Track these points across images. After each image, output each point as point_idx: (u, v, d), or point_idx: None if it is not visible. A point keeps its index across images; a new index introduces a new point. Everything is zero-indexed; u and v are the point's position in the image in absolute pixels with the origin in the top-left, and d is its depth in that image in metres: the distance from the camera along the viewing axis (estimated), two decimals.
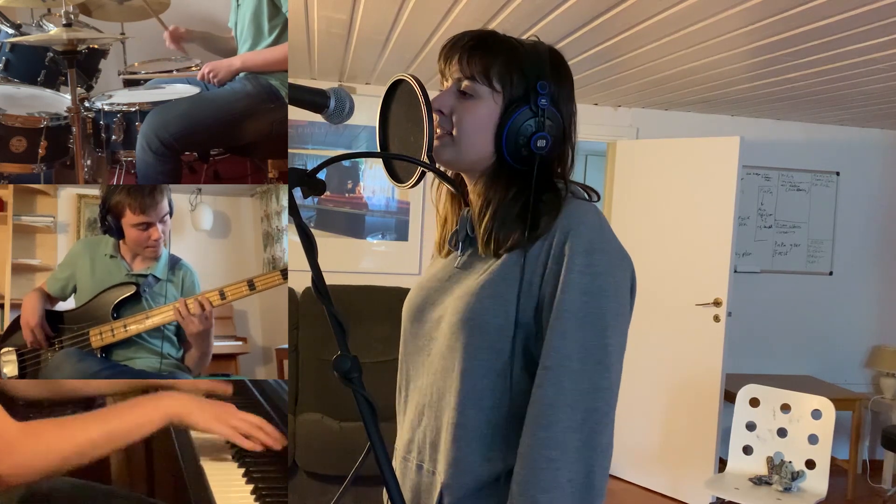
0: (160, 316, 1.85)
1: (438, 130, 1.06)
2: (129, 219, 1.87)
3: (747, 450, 3.42)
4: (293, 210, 0.91)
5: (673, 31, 2.70)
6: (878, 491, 4.38)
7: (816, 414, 3.27)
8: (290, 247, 3.05)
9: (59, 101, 2.23)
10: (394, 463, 1.16)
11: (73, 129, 2.04)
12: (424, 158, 1.01)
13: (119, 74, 2.53)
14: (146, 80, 2.41)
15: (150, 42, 2.54)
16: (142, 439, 1.24)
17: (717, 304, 3.88)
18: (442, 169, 1.13)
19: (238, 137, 2.15)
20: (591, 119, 4.35)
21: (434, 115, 1.05)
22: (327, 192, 3.38)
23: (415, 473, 1.10)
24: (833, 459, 3.55)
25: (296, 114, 3.64)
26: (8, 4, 2.25)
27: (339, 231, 4.22)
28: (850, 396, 4.22)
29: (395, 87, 1.10)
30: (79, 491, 1.40)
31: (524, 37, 1.10)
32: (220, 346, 2.94)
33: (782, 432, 3.34)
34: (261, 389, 1.83)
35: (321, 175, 0.93)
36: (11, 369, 1.86)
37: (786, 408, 3.37)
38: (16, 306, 2.00)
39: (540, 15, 2.57)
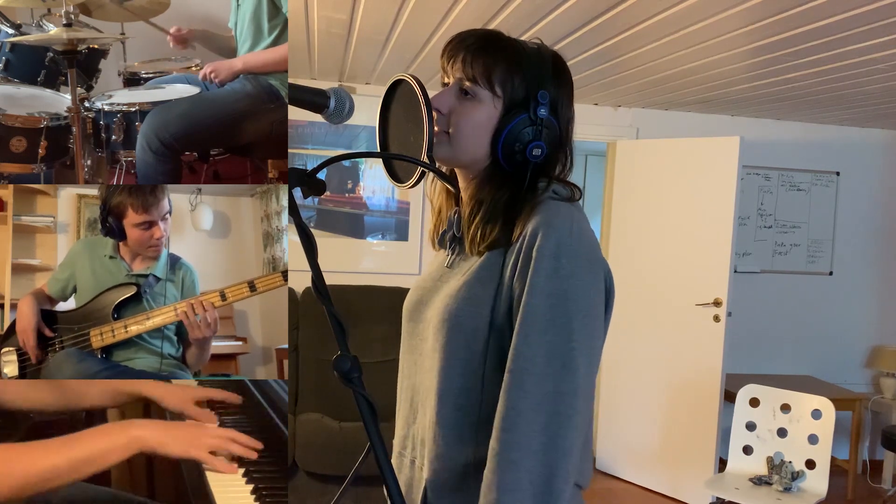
0: (161, 316, 1.85)
1: (437, 128, 1.06)
2: (132, 218, 1.87)
3: (747, 450, 3.42)
4: (293, 210, 0.91)
5: (673, 31, 2.70)
6: (878, 491, 4.38)
7: (816, 414, 3.27)
8: (290, 247, 3.05)
9: (59, 101, 2.23)
10: (392, 458, 1.17)
11: (73, 129, 2.04)
12: (424, 158, 1.01)
13: (119, 74, 2.53)
14: (146, 80, 2.41)
15: (150, 42, 2.54)
16: (108, 468, 1.19)
17: (717, 304, 3.88)
18: (442, 169, 1.13)
19: (238, 137, 2.15)
20: (591, 119, 4.35)
21: (433, 114, 1.05)
22: (327, 192, 3.38)
23: (408, 469, 1.12)
24: (833, 459, 3.55)
25: (296, 114, 3.64)
26: (8, 4, 2.25)
27: (339, 231, 4.22)
28: (850, 396, 4.22)
29: (395, 87, 1.10)
30: (78, 492, 1.40)
31: (525, 37, 1.10)
32: (220, 346, 2.94)
33: (782, 432, 3.34)
34: (261, 389, 1.83)
35: (321, 175, 0.93)
36: (12, 369, 1.86)
37: (786, 408, 3.36)
38: (16, 306, 2.00)
39: (540, 15, 2.57)
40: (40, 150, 2.07)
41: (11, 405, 1.50)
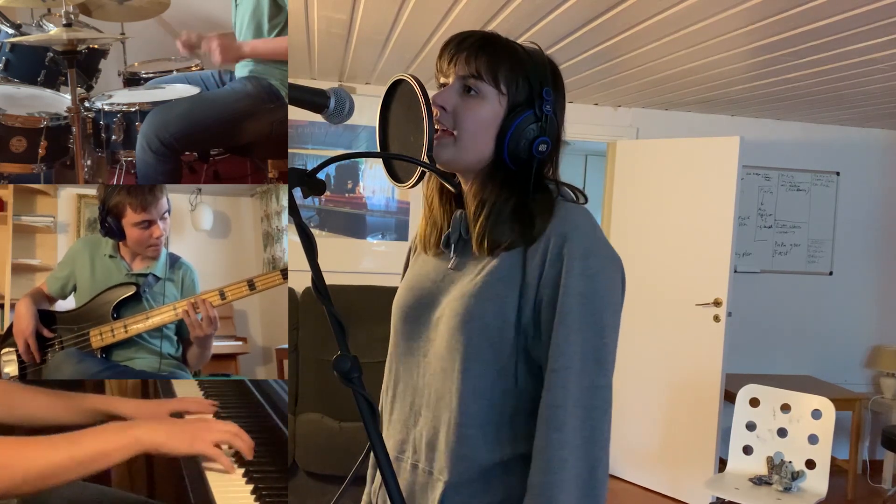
0: (160, 316, 1.85)
1: (439, 128, 1.06)
2: (131, 218, 1.87)
3: (747, 450, 3.42)
4: (293, 210, 0.91)
5: (673, 31, 2.70)
6: (878, 491, 4.38)
7: (816, 414, 3.27)
8: (290, 247, 3.05)
9: (59, 101, 2.22)
10: None
11: (73, 129, 2.04)
12: (424, 158, 1.01)
13: (119, 74, 2.53)
14: (146, 80, 2.41)
15: (150, 42, 2.54)
16: (109, 468, 1.18)
17: (717, 304, 3.88)
18: (442, 169, 1.13)
19: (238, 137, 2.15)
20: (591, 119, 4.35)
21: (435, 112, 1.05)
22: (327, 192, 3.38)
23: (409, 473, 1.11)
24: (833, 459, 3.55)
25: (296, 114, 3.64)
26: (8, 4, 2.25)
27: (339, 231, 4.22)
28: (850, 396, 4.22)
29: (395, 87, 1.10)
30: (77, 492, 1.40)
31: (524, 37, 1.11)
32: (219, 346, 2.94)
33: (782, 432, 3.34)
34: (261, 389, 1.83)
35: (321, 175, 0.93)
36: (12, 369, 1.86)
37: (786, 408, 3.36)
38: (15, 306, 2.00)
39: (540, 15, 2.57)
40: (40, 150, 2.07)
41: None
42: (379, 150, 1.14)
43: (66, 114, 2.08)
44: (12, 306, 2.21)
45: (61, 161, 2.13)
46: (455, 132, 1.06)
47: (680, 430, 4.06)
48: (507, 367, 1.02)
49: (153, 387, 2.03)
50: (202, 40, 2.26)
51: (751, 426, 3.44)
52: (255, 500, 1.28)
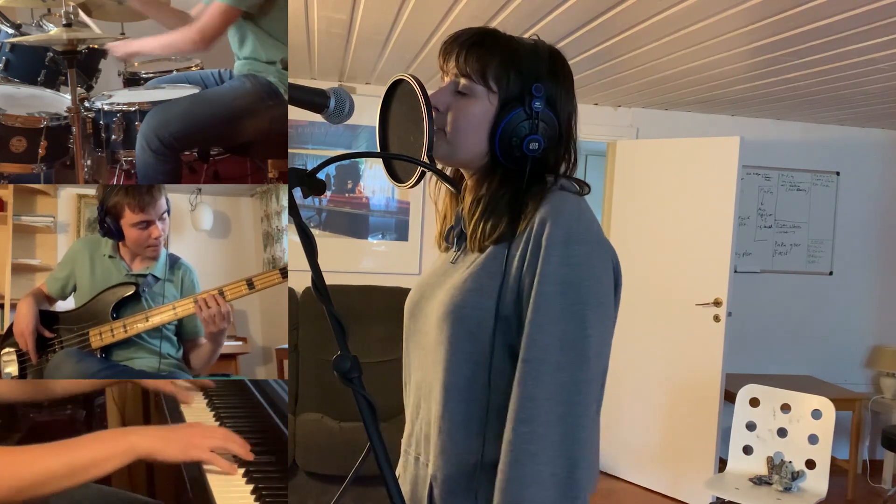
0: (160, 316, 1.85)
1: (436, 128, 1.07)
2: (129, 218, 1.87)
3: (747, 450, 3.42)
4: (293, 210, 0.91)
5: (673, 31, 2.70)
6: (878, 491, 4.38)
7: (816, 414, 3.27)
8: (290, 247, 3.05)
9: (59, 101, 2.23)
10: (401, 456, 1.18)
11: (73, 129, 2.04)
12: (424, 158, 1.01)
13: (119, 74, 2.53)
14: (146, 80, 2.41)
15: None
16: (105, 475, 1.17)
17: (717, 304, 3.88)
18: (441, 168, 1.13)
19: (238, 136, 2.15)
20: (591, 119, 4.35)
21: (433, 114, 1.05)
22: (327, 192, 3.38)
23: (413, 466, 1.12)
24: (833, 459, 3.54)
25: (296, 114, 3.64)
26: (8, 4, 2.25)
27: (340, 231, 4.22)
28: (850, 396, 4.22)
29: (395, 86, 1.10)
30: (79, 492, 1.40)
31: (524, 37, 1.10)
32: None
33: (782, 432, 3.34)
34: (261, 389, 1.83)
35: (321, 175, 0.93)
36: (13, 369, 1.86)
37: (786, 408, 3.36)
38: (16, 306, 2.00)
39: (540, 15, 2.57)
40: (40, 150, 2.07)
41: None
42: (379, 149, 1.14)
43: (66, 114, 2.08)
44: (12, 306, 2.22)
45: (61, 161, 2.14)
46: (446, 131, 1.06)
47: (680, 430, 4.06)
48: (486, 362, 1.00)
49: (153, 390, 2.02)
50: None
51: (751, 426, 3.44)
52: (255, 500, 1.28)
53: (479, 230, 1.04)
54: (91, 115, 2.11)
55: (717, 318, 3.88)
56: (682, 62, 3.16)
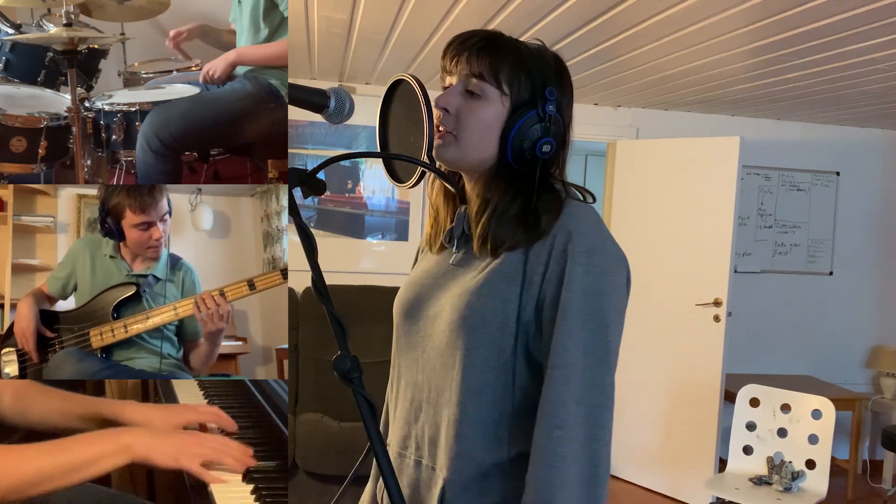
0: (160, 316, 1.85)
1: (442, 129, 1.06)
2: (130, 219, 1.87)
3: (747, 450, 3.42)
4: (293, 210, 0.91)
5: (673, 31, 2.70)
6: (878, 491, 4.38)
7: (816, 414, 3.27)
8: (290, 247, 3.05)
9: (59, 101, 2.22)
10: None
11: (73, 129, 2.04)
12: (424, 158, 1.01)
13: (119, 74, 2.53)
14: (146, 80, 2.41)
15: (150, 42, 2.54)
16: (99, 475, 1.17)
17: (717, 304, 3.88)
18: (441, 168, 1.13)
19: (238, 137, 2.15)
20: (591, 119, 4.35)
21: (436, 113, 1.05)
22: (327, 192, 3.38)
23: (413, 469, 1.11)
24: (833, 459, 3.55)
25: (296, 114, 3.64)
26: (8, 4, 2.25)
27: (339, 231, 4.22)
28: (850, 396, 4.22)
29: (395, 87, 1.10)
30: (79, 492, 1.40)
31: (524, 37, 1.10)
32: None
33: (782, 432, 3.34)
34: (261, 389, 1.83)
35: (321, 175, 0.93)
36: (12, 369, 1.86)
37: (786, 408, 3.36)
38: (16, 306, 2.00)
39: (540, 15, 2.57)
40: (40, 150, 2.07)
41: None
42: (379, 149, 1.14)
43: (66, 114, 2.08)
44: (13, 306, 2.22)
45: (61, 161, 2.13)
46: (457, 133, 1.06)
47: (680, 430, 4.06)
48: (508, 366, 1.02)
49: (153, 387, 2.03)
50: (192, 36, 2.27)
51: (751, 426, 3.44)
52: (255, 500, 1.28)
53: (492, 236, 1.05)
54: (91, 115, 2.11)
55: (717, 319, 3.88)
56: (682, 62, 3.16)
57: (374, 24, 2.86)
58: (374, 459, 1.23)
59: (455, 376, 1.04)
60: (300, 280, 3.51)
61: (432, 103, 1.05)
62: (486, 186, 1.08)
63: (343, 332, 0.87)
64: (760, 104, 4.08)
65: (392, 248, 4.28)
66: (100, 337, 1.84)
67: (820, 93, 3.65)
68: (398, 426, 1.15)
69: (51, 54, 2.32)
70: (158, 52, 2.55)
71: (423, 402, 1.10)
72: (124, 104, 2.09)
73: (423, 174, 1.06)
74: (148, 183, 1.96)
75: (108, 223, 1.88)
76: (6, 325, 1.96)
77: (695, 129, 4.42)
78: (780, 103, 4.01)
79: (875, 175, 4.73)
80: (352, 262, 4.23)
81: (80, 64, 2.37)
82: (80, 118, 2.05)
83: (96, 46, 2.43)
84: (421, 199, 4.24)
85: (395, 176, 1.12)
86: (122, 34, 2.51)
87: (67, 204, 2.78)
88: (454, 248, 1.13)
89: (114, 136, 2.10)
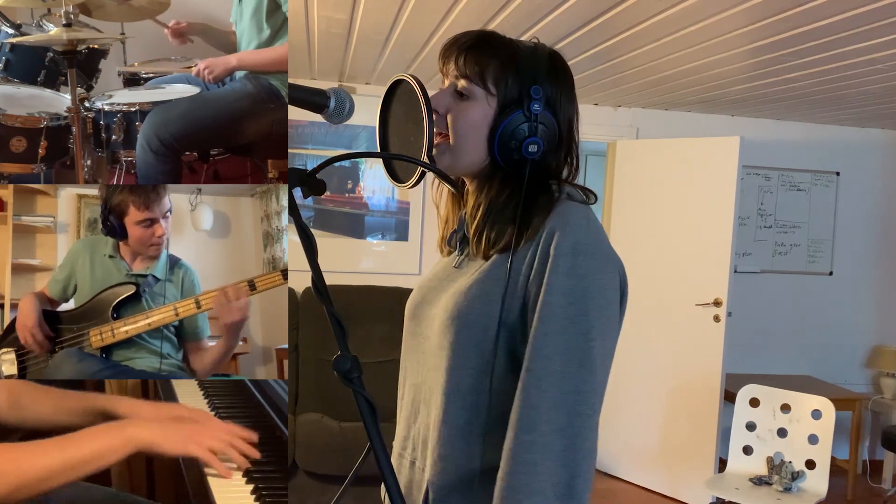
0: (160, 316, 1.85)
1: (436, 131, 1.06)
2: (133, 216, 1.86)
3: (747, 450, 3.42)
4: (293, 210, 0.91)
5: (673, 31, 2.70)
6: (878, 491, 4.38)
7: (816, 414, 3.27)
8: (290, 247, 3.05)
9: (59, 101, 2.23)
10: (392, 459, 1.16)
11: (73, 129, 2.04)
12: (424, 158, 1.01)
13: (119, 74, 2.53)
14: (146, 80, 2.41)
15: (150, 42, 2.54)
16: (104, 468, 1.17)
17: (717, 304, 3.88)
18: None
19: (238, 137, 2.15)
20: (591, 119, 4.35)
21: (433, 114, 1.05)
22: (327, 192, 3.38)
23: (408, 469, 1.11)
24: (833, 459, 3.55)
25: (296, 114, 3.64)
26: (8, 4, 2.25)
27: (339, 231, 4.22)
28: (850, 396, 4.22)
29: (395, 87, 1.10)
30: (79, 492, 1.40)
31: (524, 37, 1.10)
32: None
33: (782, 432, 3.34)
34: (261, 389, 1.83)
35: (321, 175, 0.93)
36: (11, 369, 1.86)
37: (786, 408, 3.36)
38: (16, 306, 1.99)
39: (540, 15, 2.57)
40: (40, 150, 2.07)
41: None
42: (379, 149, 1.14)
43: (66, 114, 2.08)
44: (13, 306, 2.22)
45: (61, 161, 2.14)
46: (449, 135, 1.06)
47: (680, 429, 4.06)
48: (489, 368, 1.00)
49: (153, 388, 2.03)
50: (191, 29, 2.27)
51: (751, 426, 3.44)
52: (256, 500, 1.28)
53: (484, 237, 1.04)
54: (91, 115, 2.11)
55: (717, 319, 3.88)
56: (682, 62, 3.16)
57: (374, 24, 2.86)
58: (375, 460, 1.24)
59: (441, 377, 1.03)
60: (300, 280, 3.51)
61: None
62: (479, 188, 1.08)
63: (343, 332, 0.87)
64: (760, 104, 4.08)
65: (392, 248, 4.28)
66: (99, 337, 1.84)
67: (820, 93, 3.65)
68: (401, 426, 1.16)
69: (51, 54, 2.32)
70: (158, 52, 2.55)
71: (420, 402, 1.10)
72: (124, 104, 2.10)
73: (422, 174, 1.06)
74: (148, 183, 1.96)
75: (111, 220, 1.88)
76: (6, 325, 1.96)
77: (695, 129, 4.42)
78: (780, 103, 4.01)
79: (875, 175, 4.73)
80: (352, 262, 4.23)
81: (80, 64, 2.37)
82: (80, 118, 2.05)
83: (96, 46, 2.43)
84: (421, 200, 4.24)
85: (395, 176, 1.12)
86: (122, 34, 2.51)
87: (67, 204, 2.78)
88: (457, 251, 1.13)
89: (114, 136, 2.10)
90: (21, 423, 1.42)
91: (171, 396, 1.87)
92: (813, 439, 3.25)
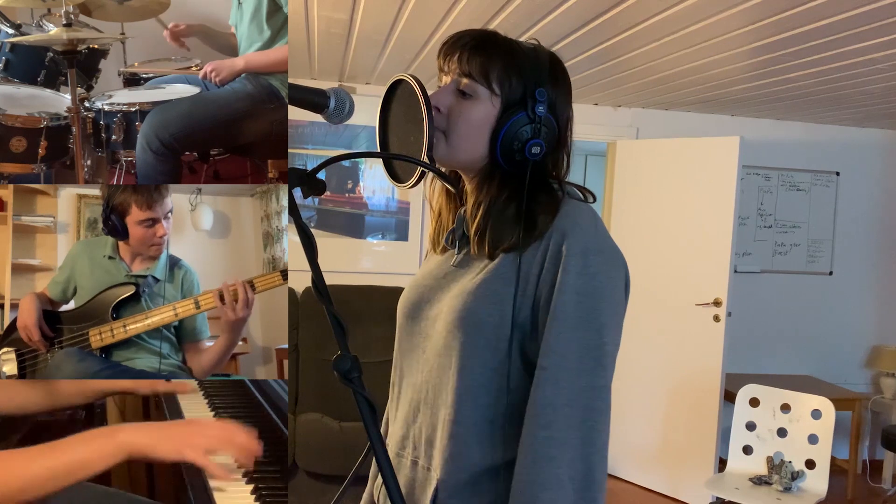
0: (160, 316, 1.85)
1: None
2: (136, 216, 1.86)
3: (747, 450, 3.42)
4: (293, 210, 0.91)
5: (673, 31, 2.70)
6: (878, 491, 4.38)
7: (816, 414, 3.27)
8: (290, 247, 3.05)
9: (59, 101, 2.23)
10: None
11: (73, 129, 2.04)
12: (424, 158, 1.01)
13: (119, 74, 2.53)
14: (146, 80, 2.41)
15: (150, 42, 2.54)
16: (94, 476, 1.11)
17: (716, 304, 3.88)
18: (442, 169, 1.13)
19: (238, 137, 2.15)
20: (591, 119, 4.35)
21: (433, 114, 1.05)
22: (327, 192, 3.38)
23: (409, 469, 1.11)
24: (833, 459, 3.55)
25: (296, 114, 3.64)
26: (8, 4, 2.25)
27: (339, 231, 4.22)
28: (850, 396, 4.22)
29: (395, 87, 1.10)
30: (79, 493, 1.40)
31: (524, 37, 1.10)
32: None
33: (782, 432, 3.34)
34: (261, 389, 1.83)
35: (321, 175, 0.93)
36: (11, 369, 1.86)
37: (786, 408, 3.37)
38: (16, 306, 1.99)
39: (540, 15, 2.57)
40: (40, 150, 2.07)
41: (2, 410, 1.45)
42: (379, 149, 1.14)
43: (66, 114, 2.08)
44: (13, 306, 2.22)
45: (61, 161, 2.14)
46: (446, 132, 1.06)
47: (680, 429, 4.06)
48: (503, 367, 1.01)
49: (154, 402, 2.02)
50: (190, 31, 2.27)
51: (751, 426, 3.44)
52: (256, 500, 1.28)
53: (488, 238, 1.04)
54: (91, 115, 2.11)
55: (716, 318, 3.88)
56: (682, 62, 3.16)
57: (374, 24, 2.86)
58: (374, 459, 1.24)
59: (451, 377, 1.04)
60: (300, 280, 3.51)
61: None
62: (479, 187, 1.09)
63: (343, 332, 0.87)
64: (760, 104, 4.08)
65: (392, 248, 4.28)
66: (99, 337, 1.84)
67: (820, 93, 3.65)
68: (398, 427, 1.15)
69: (51, 54, 2.32)
70: (158, 52, 2.55)
71: (421, 402, 1.10)
72: (124, 104, 2.10)
73: (422, 174, 1.06)
74: (148, 183, 1.96)
75: (113, 220, 1.87)
76: (6, 325, 1.96)
77: (695, 129, 4.42)
78: (780, 103, 4.01)
79: (875, 175, 4.73)
80: (352, 262, 4.24)
81: (80, 64, 2.37)
82: (80, 118, 2.05)
83: (96, 46, 2.43)
84: (421, 200, 4.24)
85: (395, 176, 1.11)
86: (122, 34, 2.51)
87: (67, 204, 2.78)
88: (455, 249, 1.13)
89: (114, 136, 2.10)
90: (5, 412, 1.41)
91: (171, 396, 1.86)
92: (813, 439, 3.25)
